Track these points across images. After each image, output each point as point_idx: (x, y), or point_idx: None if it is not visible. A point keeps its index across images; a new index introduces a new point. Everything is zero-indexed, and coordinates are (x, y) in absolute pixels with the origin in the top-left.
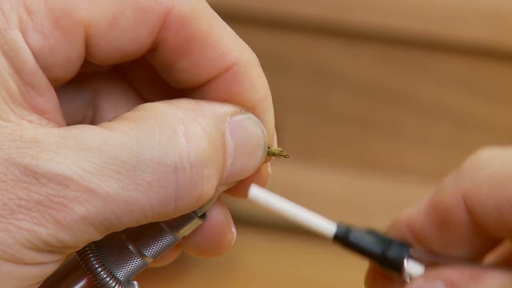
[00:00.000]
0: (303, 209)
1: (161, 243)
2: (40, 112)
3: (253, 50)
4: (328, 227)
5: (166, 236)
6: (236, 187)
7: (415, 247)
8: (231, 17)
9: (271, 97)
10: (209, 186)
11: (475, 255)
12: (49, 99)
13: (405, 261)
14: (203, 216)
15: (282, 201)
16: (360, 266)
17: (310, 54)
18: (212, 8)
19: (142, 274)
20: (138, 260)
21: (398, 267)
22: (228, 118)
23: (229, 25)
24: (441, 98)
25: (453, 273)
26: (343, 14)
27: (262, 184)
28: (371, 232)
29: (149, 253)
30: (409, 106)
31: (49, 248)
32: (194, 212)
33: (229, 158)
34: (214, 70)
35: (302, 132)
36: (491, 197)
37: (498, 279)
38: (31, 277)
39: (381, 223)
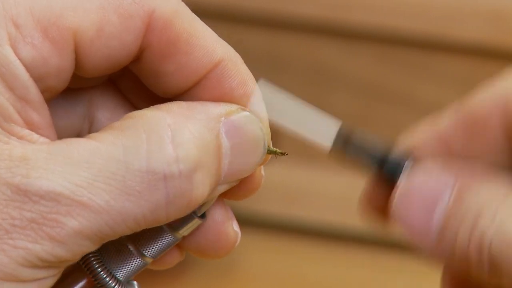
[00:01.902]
0: (309, 111)
1: (161, 243)
2: (33, 127)
3: (253, 50)
4: (328, 132)
5: (166, 236)
6: (233, 189)
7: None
8: (231, 17)
9: (261, 95)
10: (199, 191)
11: (499, 167)
12: (42, 113)
13: (403, 169)
14: (203, 216)
15: (286, 109)
16: (360, 266)
17: (310, 54)
18: (212, 8)
19: (142, 274)
20: (138, 260)
21: (396, 175)
22: (223, 118)
23: (229, 25)
24: (441, 98)
25: (465, 170)
26: (343, 14)
27: (256, 187)
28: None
29: (148, 253)
30: (409, 106)
31: (45, 264)
32: (193, 212)
33: (226, 158)
34: (202, 69)
35: None
36: None
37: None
38: None
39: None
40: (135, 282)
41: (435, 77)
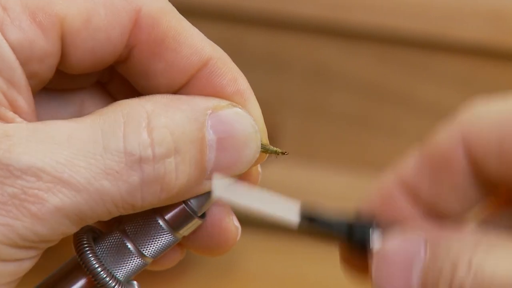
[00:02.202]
0: (266, 199)
1: (161, 243)
2: (17, 110)
3: (253, 50)
4: (292, 216)
5: (166, 236)
6: None
7: (381, 222)
8: (231, 17)
9: (253, 93)
10: (172, 176)
11: (466, 206)
12: (26, 98)
13: (371, 235)
14: (203, 216)
15: (247, 196)
16: None
17: (310, 54)
18: (212, 8)
19: (142, 274)
20: (137, 260)
21: (365, 241)
22: (209, 111)
23: (229, 25)
24: (441, 98)
25: (434, 229)
26: (343, 14)
27: (253, 184)
28: (335, 216)
29: (148, 253)
30: (409, 106)
31: (26, 243)
32: (193, 211)
33: (211, 152)
34: (191, 68)
35: (302, 132)
36: (493, 133)
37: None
38: (8, 274)
39: None
40: (135, 282)
41: (435, 77)
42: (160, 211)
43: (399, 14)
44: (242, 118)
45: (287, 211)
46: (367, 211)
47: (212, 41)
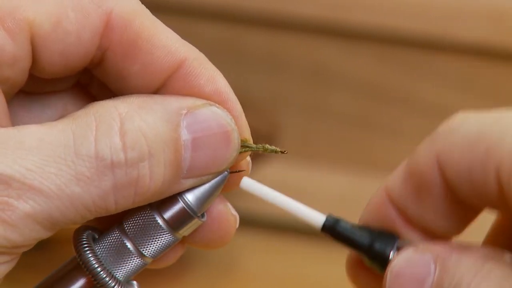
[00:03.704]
0: (293, 201)
1: (161, 243)
2: None
3: (253, 50)
4: (318, 217)
5: (166, 236)
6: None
7: (403, 238)
8: (232, 17)
9: (232, 92)
10: (146, 180)
11: (455, 227)
12: None
13: (391, 252)
14: (203, 216)
15: (273, 192)
16: None
17: (310, 54)
18: (212, 8)
19: (142, 274)
20: (137, 260)
21: (385, 259)
22: (184, 111)
23: (229, 25)
24: (441, 98)
25: (442, 249)
26: (343, 14)
27: (238, 179)
28: (362, 226)
29: (148, 253)
30: (409, 106)
31: None
32: (193, 212)
33: (186, 151)
34: (166, 69)
35: (302, 132)
36: (463, 158)
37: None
38: None
39: None
40: (134, 282)
41: (435, 77)
42: (160, 211)
43: (399, 14)
44: (218, 117)
45: (312, 212)
46: (364, 222)
47: (212, 41)
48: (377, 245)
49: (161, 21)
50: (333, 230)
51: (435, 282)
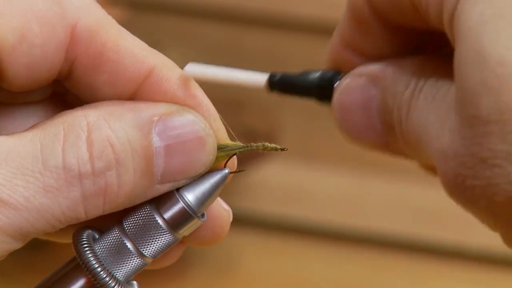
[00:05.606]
0: (236, 69)
1: (161, 243)
2: None
3: (253, 50)
4: (262, 76)
5: (166, 236)
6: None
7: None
8: (232, 17)
9: (206, 96)
10: (114, 189)
11: (398, 52)
12: None
13: (335, 86)
14: (203, 216)
15: (217, 68)
16: (360, 266)
17: (310, 54)
18: (212, 8)
19: (142, 274)
20: (137, 260)
21: (330, 91)
22: (156, 118)
23: (229, 25)
24: None
25: (377, 68)
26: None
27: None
28: (304, 72)
29: (148, 253)
30: None
31: None
32: (193, 212)
33: (159, 158)
34: (136, 77)
35: (302, 132)
36: None
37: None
38: None
39: (381, 223)
40: (134, 282)
41: None
42: (160, 211)
43: None
44: (191, 123)
45: (257, 75)
46: (327, 68)
47: (212, 41)
48: (323, 83)
49: (162, 21)
50: (280, 84)
51: (381, 104)
